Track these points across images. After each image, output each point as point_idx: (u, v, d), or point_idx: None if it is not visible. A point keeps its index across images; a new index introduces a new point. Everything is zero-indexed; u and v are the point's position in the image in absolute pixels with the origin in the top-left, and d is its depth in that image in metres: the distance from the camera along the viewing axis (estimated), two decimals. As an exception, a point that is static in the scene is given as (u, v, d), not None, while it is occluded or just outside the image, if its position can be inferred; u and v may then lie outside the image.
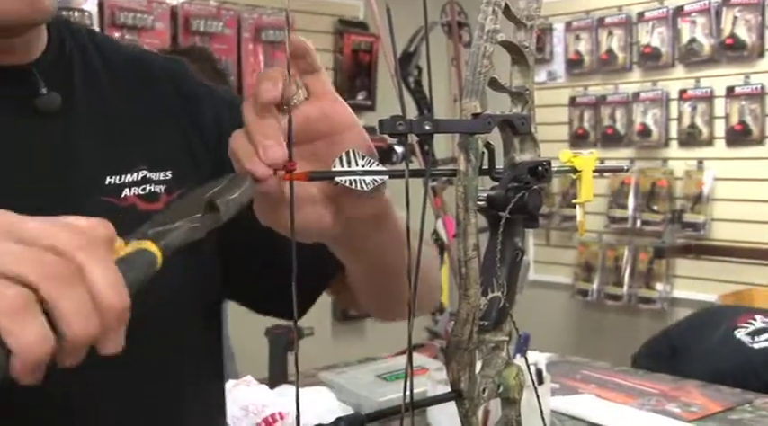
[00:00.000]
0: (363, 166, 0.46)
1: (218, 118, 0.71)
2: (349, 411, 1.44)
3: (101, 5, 2.59)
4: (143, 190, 0.64)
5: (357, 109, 3.29)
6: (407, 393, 0.40)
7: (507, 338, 0.45)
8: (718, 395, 1.58)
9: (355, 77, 3.25)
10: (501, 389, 0.46)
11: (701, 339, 2.09)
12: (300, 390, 1.57)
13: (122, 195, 0.63)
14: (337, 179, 0.46)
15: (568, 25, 3.30)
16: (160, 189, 0.65)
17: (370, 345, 2.92)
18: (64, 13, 2.51)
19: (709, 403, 1.54)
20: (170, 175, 0.65)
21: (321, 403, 1.40)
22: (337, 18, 3.23)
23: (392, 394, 1.49)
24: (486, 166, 0.43)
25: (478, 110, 0.40)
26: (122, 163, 0.64)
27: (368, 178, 0.45)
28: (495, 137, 0.44)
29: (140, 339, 0.63)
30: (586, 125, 3.25)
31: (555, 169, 0.47)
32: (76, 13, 2.53)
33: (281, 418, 1.33)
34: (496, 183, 0.44)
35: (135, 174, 0.64)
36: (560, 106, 3.30)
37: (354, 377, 1.61)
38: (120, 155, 0.64)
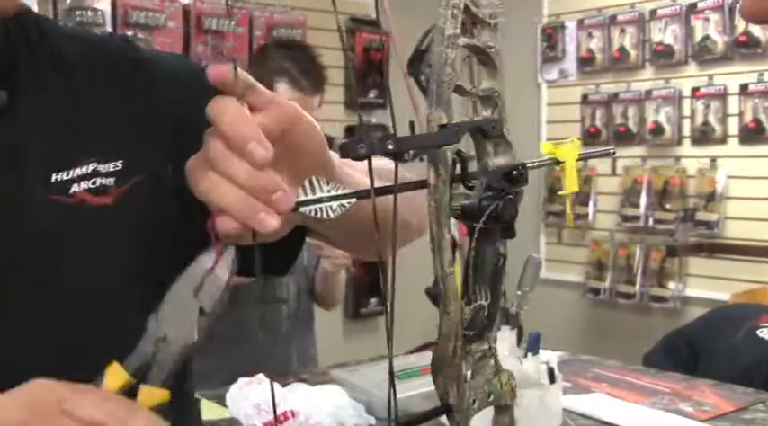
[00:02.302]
0: (329, 191, 0.44)
1: (177, 98, 0.67)
2: (360, 409, 1.44)
3: (113, 4, 2.60)
4: (93, 183, 0.61)
5: (369, 106, 3.28)
6: (394, 408, 0.40)
7: (494, 345, 0.44)
8: (731, 395, 1.57)
9: (367, 75, 3.25)
10: (492, 397, 0.45)
11: (721, 338, 2.07)
12: (312, 388, 1.58)
13: (71, 191, 0.60)
14: (302, 209, 0.44)
15: (580, 23, 3.28)
16: (110, 181, 0.62)
17: (382, 343, 2.92)
18: (77, 12, 2.52)
19: (722, 402, 1.53)
20: (120, 166, 0.63)
21: (333, 401, 1.40)
22: (349, 16, 3.23)
23: (404, 393, 1.49)
24: (461, 174, 0.42)
25: (444, 121, 0.39)
26: (70, 157, 0.61)
27: (334, 204, 0.43)
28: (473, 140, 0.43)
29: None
30: (598, 123, 3.23)
31: (536, 163, 0.45)
32: (89, 12, 2.55)
33: (293, 416, 1.33)
34: (471, 192, 0.43)
35: (84, 168, 0.61)
36: (572, 104, 3.28)
37: (366, 376, 1.61)
38: (67, 149, 0.61)
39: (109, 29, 2.58)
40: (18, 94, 0.61)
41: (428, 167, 0.40)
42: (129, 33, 2.64)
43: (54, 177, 0.60)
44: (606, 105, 3.20)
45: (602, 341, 3.15)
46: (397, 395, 1.43)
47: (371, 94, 3.26)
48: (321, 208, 0.44)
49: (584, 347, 2.53)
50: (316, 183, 0.45)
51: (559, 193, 3.03)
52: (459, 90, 0.41)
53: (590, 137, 3.24)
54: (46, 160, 0.60)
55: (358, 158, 0.39)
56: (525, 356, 1.33)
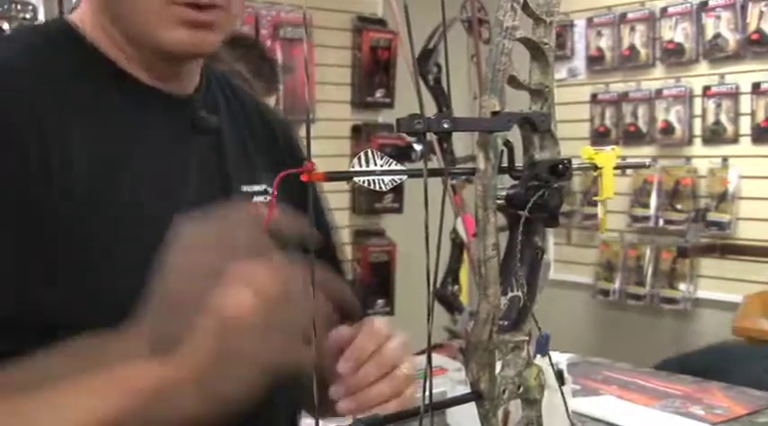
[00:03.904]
0: (382, 166, 0.46)
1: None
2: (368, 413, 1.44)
3: (119, 4, 2.61)
4: (265, 198, 0.80)
5: (376, 106, 3.29)
6: (426, 394, 0.40)
7: (527, 338, 0.45)
8: (744, 398, 1.57)
9: (374, 75, 3.25)
10: (521, 390, 0.46)
11: (736, 373, 1.98)
12: (318, 390, 1.55)
13: (253, 201, 0.80)
14: (356, 179, 0.46)
15: (590, 21, 3.28)
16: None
17: (389, 345, 2.92)
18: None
19: (735, 405, 1.52)
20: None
21: (339, 402, 1.40)
22: (356, 15, 3.24)
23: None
24: (505, 164, 0.43)
25: (497, 108, 0.40)
26: (252, 175, 0.81)
27: (386, 178, 0.45)
28: (515, 134, 0.44)
29: None
30: (608, 122, 3.22)
31: (576, 166, 0.46)
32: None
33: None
34: (516, 182, 0.44)
35: (260, 186, 0.81)
36: (581, 103, 3.28)
37: (373, 377, 1.61)
38: (250, 169, 0.81)
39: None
40: (220, 123, 0.81)
41: (478, 152, 0.41)
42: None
43: (244, 188, 0.79)
44: (616, 104, 3.20)
45: (611, 342, 3.14)
46: (406, 397, 1.41)
47: (378, 94, 3.27)
48: (374, 180, 0.46)
49: (594, 349, 2.53)
50: (371, 156, 0.46)
51: (594, 198, 3.02)
52: (512, 80, 0.42)
53: (599, 136, 3.23)
54: (238, 175, 0.79)
55: (414, 134, 0.40)
56: (535, 357, 1.33)
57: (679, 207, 3.02)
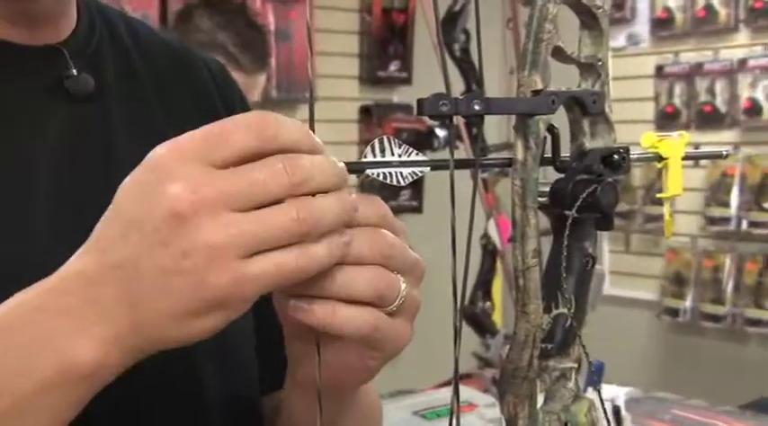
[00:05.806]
0: (400, 156, 0.46)
1: None
2: (379, 456, 1.45)
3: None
4: None
5: (390, 82, 3.30)
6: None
7: (576, 365, 0.45)
8: None
9: (387, 43, 3.26)
10: (568, 428, 0.46)
11: None
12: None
13: None
14: (369, 171, 0.47)
15: (655, -25, 3.27)
16: None
17: (405, 376, 2.93)
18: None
19: (834, 451, 1.52)
20: None
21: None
22: (365, -30, 3.25)
23: (433, 436, 1.50)
24: (548, 154, 0.43)
25: (539, 86, 0.40)
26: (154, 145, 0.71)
27: (405, 170, 0.46)
28: (561, 118, 0.45)
29: None
30: (677, 101, 3.22)
31: (635, 157, 0.46)
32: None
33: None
34: (562, 175, 0.44)
35: None
36: (644, 78, 3.27)
37: (387, 414, 1.62)
38: (153, 145, 0.69)
39: None
40: (105, 82, 0.74)
41: (516, 139, 0.41)
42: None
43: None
44: (687, 79, 3.19)
45: (682, 374, 3.13)
46: (427, 439, 1.43)
47: (393, 67, 3.28)
48: (391, 173, 0.47)
49: (660, 381, 2.52)
50: (386, 144, 0.47)
51: (658, 196, 3.02)
52: (557, 52, 0.42)
53: (666, 119, 3.22)
54: (135, 152, 0.66)
55: (439, 117, 0.40)
56: (585, 391, 1.34)
57: (767, 206, 3.01)
